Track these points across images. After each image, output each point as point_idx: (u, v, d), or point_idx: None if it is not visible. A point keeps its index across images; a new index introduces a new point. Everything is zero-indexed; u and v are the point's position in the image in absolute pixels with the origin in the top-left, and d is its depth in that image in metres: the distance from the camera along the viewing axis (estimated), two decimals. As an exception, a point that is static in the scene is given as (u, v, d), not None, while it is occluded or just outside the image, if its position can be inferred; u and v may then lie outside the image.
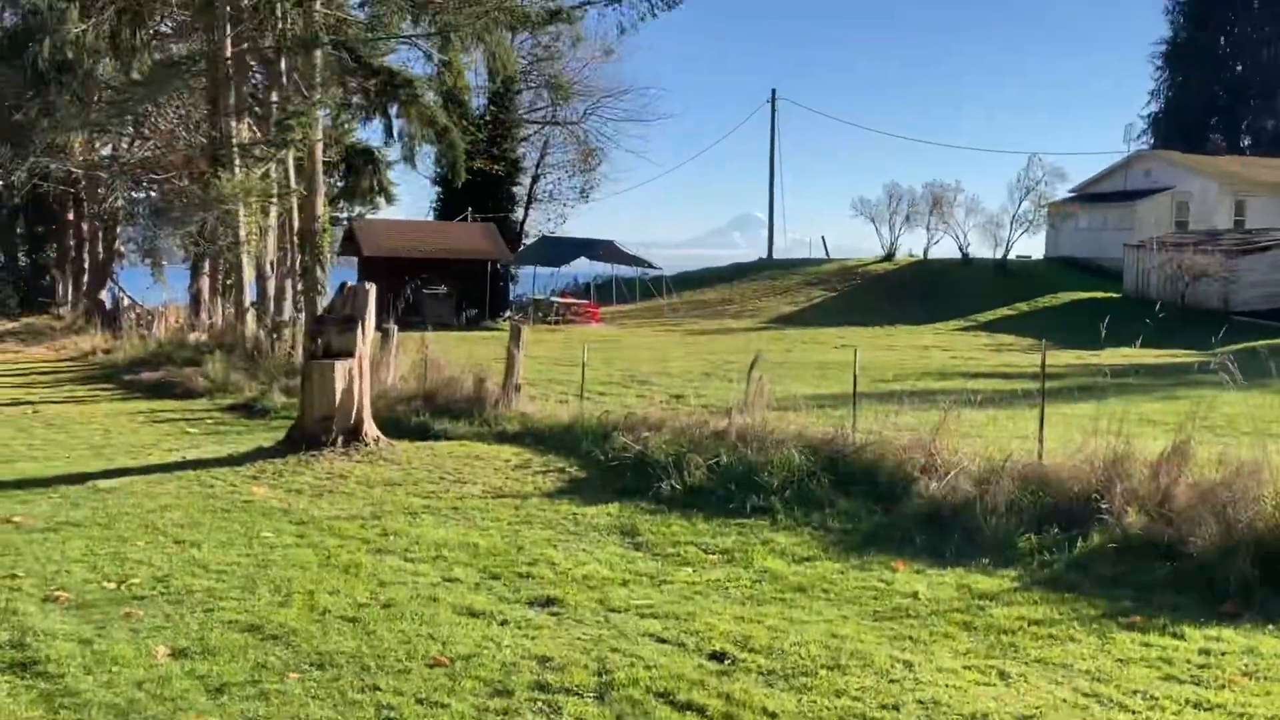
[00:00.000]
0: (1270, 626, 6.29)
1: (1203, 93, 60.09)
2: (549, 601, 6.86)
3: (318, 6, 19.03)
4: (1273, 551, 6.79)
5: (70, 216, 37.22)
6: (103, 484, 10.27)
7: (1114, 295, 37.97)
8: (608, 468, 10.57)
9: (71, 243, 37.64)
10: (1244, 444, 8.39)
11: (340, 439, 11.86)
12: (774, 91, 55.46)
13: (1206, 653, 5.95)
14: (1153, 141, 60.12)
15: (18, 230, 40.89)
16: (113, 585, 7.07)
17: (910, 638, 6.24)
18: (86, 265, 36.74)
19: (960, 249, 43.61)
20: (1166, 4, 63.25)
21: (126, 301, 33.23)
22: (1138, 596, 6.82)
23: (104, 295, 35.38)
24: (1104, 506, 7.79)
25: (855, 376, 10.92)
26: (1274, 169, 47.73)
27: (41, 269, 40.35)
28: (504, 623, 6.43)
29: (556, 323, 35.71)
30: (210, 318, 25.80)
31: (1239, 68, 61.02)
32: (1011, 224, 42.38)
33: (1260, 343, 14.39)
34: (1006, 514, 8.08)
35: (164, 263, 35.80)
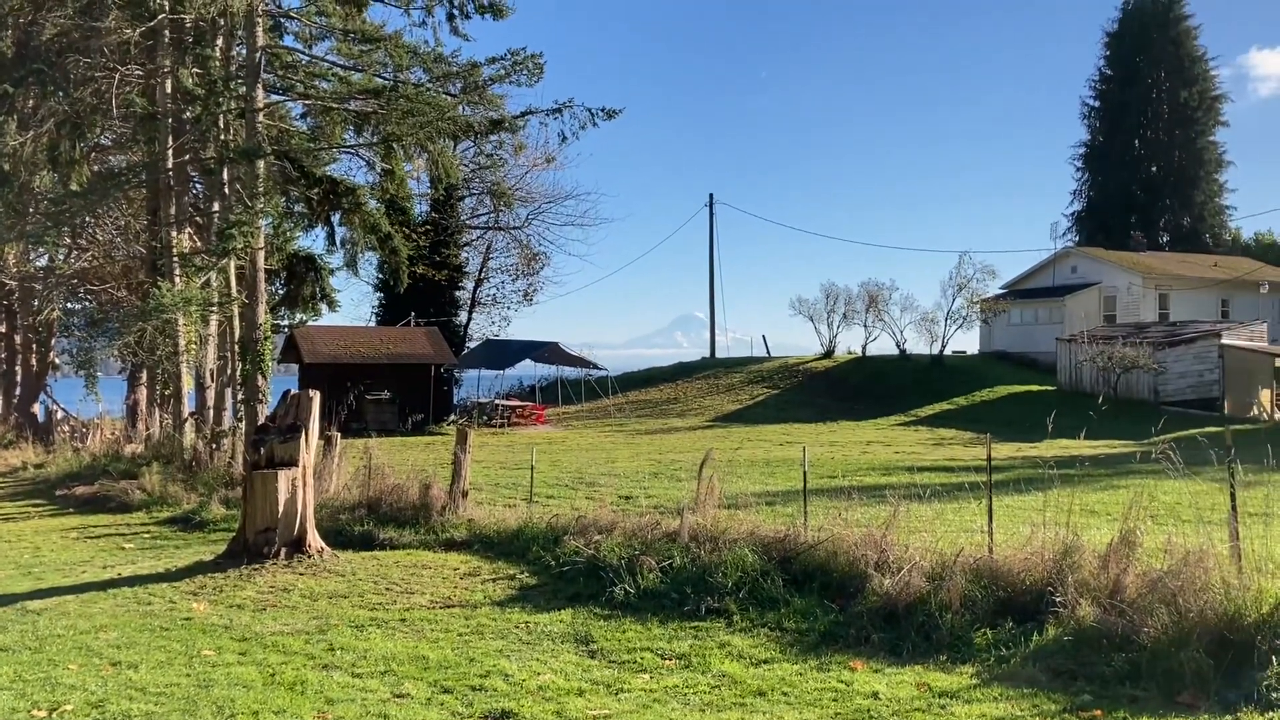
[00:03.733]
0: (1228, 718, 6.29)
1: (1121, 192, 62.77)
2: (504, 715, 6.67)
3: (261, 118, 19.19)
4: (1225, 640, 6.84)
5: (2, 328, 36.51)
6: (33, 605, 9.88)
7: (1048, 388, 38.79)
8: (559, 573, 10.43)
9: (3, 355, 36.83)
10: (1186, 531, 8.51)
11: (283, 551, 11.58)
12: (711, 196, 56.70)
13: (1168, 745, 5.92)
14: (1077, 238, 62.36)
15: (-54, 344, 40.01)
16: (43, 714, 6.74)
17: (873, 740, 6.15)
18: (19, 378, 35.91)
19: (897, 345, 44.44)
20: (1082, 110, 66.57)
21: (60, 414, 32.46)
22: (1096, 690, 6.81)
23: (36, 408, 34.53)
24: (1057, 598, 7.82)
25: (805, 474, 10.96)
26: (1190, 264, 49.70)
27: (-30, 383, 39.33)
28: (458, 739, 6.23)
29: (501, 425, 35.50)
30: (147, 429, 25.26)
31: (1153, 168, 63.92)
32: (946, 320, 43.34)
33: (1193, 431, 14.78)
34: (961, 609, 8.09)
35: (99, 374, 35.19)
